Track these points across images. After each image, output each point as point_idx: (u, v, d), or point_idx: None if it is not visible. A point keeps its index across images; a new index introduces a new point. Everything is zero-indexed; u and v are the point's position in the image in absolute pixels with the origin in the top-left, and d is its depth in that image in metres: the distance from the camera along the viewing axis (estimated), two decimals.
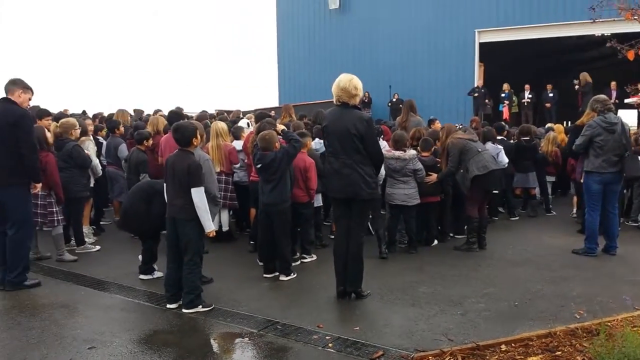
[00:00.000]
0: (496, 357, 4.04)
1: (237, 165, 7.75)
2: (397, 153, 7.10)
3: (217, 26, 49.84)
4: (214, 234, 5.24)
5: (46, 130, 6.92)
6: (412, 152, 7.20)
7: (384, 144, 7.81)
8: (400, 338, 4.47)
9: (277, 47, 26.23)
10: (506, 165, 8.65)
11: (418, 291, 5.68)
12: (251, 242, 7.28)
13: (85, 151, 7.40)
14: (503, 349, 4.16)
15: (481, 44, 20.71)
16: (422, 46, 21.65)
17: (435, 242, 7.69)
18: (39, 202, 6.49)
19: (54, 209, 6.68)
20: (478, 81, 19.91)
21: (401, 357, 4.12)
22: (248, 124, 8.84)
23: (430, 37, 21.43)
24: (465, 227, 7.56)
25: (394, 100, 20.83)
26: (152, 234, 6.07)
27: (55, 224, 6.71)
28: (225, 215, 7.78)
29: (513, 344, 4.24)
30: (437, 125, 9.84)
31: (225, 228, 7.79)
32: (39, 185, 5.97)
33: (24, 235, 5.83)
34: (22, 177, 5.76)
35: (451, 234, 8.06)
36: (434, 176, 7.37)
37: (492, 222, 8.91)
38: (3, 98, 5.78)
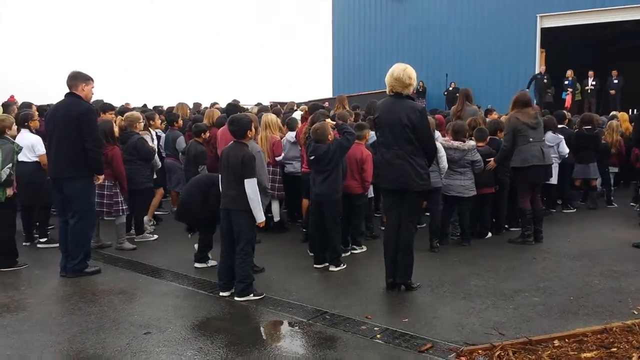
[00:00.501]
0: (548, 352, 3.93)
1: (290, 156, 7.83)
2: (456, 143, 6.99)
3: (272, 17, 50.09)
4: (264, 224, 5.32)
5: (114, 125, 7.19)
6: (471, 142, 7.07)
7: (437, 134, 7.70)
8: (449, 331, 4.42)
9: (332, 38, 26.21)
10: (567, 155, 8.38)
11: (469, 284, 5.60)
12: (303, 230, 7.36)
13: (150, 144, 7.67)
14: (556, 345, 4.04)
15: (543, 30, 20.01)
16: (482, 33, 21.13)
17: (489, 234, 7.54)
18: (105, 193, 6.79)
19: (119, 199, 6.97)
20: (540, 67, 19.25)
21: (450, 350, 4.08)
22: (302, 115, 8.92)
23: (490, 23, 20.90)
24: (520, 219, 7.38)
25: (450, 89, 20.44)
26: (208, 225, 6.23)
27: (120, 214, 7.00)
28: (275, 206, 7.88)
29: (567, 340, 4.11)
30: (494, 115, 9.61)
31: (276, 218, 7.90)
32: (102, 177, 6.20)
33: (86, 224, 6.09)
34: (86, 170, 6.00)
35: (506, 226, 7.87)
36: (492, 161, 7.20)
37: (549, 214, 8.65)
38: (68, 93, 6.00)
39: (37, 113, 8.38)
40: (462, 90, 9.65)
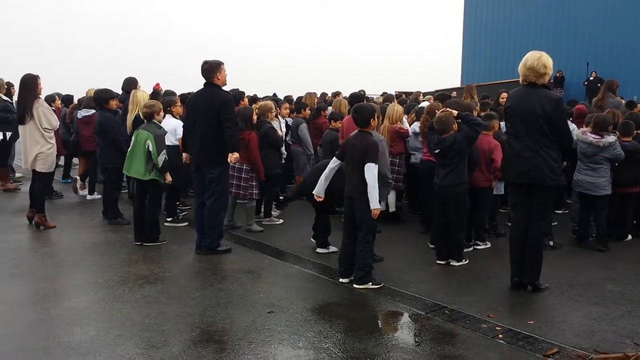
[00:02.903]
0: None
1: (414, 147, 7.75)
2: (591, 138, 6.48)
3: (403, 4, 49.61)
4: (378, 212, 5.29)
5: (254, 112, 7.56)
6: (610, 138, 6.48)
7: (572, 126, 7.22)
8: (578, 337, 4.17)
9: (462, 24, 25.45)
10: None
11: (604, 289, 5.23)
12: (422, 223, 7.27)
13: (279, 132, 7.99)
14: None
15: None
16: (627, 17, 19.37)
17: (629, 237, 6.96)
18: (243, 176, 7.19)
19: (254, 184, 7.34)
20: None
21: (578, 357, 3.85)
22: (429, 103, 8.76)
23: (638, 8, 19.10)
24: None
25: (591, 79, 19.02)
26: (325, 208, 6.34)
27: (253, 197, 7.38)
28: (392, 197, 7.81)
29: None
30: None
31: (391, 209, 7.84)
32: (236, 154, 6.42)
33: (221, 205, 6.47)
34: (225, 157, 6.34)
35: None
36: None
37: None
38: (207, 83, 6.33)
39: (179, 100, 9.04)
40: (607, 81, 9.01)
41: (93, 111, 9.27)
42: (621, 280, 5.49)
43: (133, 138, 6.76)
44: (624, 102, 9.22)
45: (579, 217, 6.83)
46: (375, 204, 5.21)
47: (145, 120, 6.84)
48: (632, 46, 19.33)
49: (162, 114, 7.03)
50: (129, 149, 6.78)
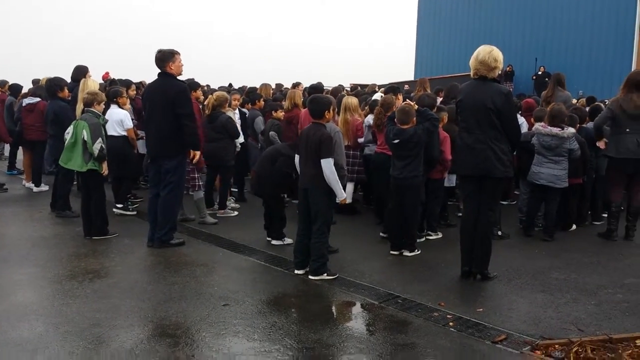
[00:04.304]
0: (629, 352, 3.75)
1: (369, 139, 7.81)
2: (555, 130, 6.64)
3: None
4: (347, 201, 5.32)
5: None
6: (571, 129, 6.68)
7: (521, 120, 7.43)
8: (525, 324, 4.32)
9: (416, 19, 25.76)
10: None
11: (550, 277, 5.42)
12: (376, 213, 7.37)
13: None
14: (638, 344, 3.85)
15: None
16: (575, 15, 20.06)
17: (574, 226, 7.23)
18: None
19: (196, 175, 7.26)
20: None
21: (525, 343, 3.98)
22: (381, 96, 8.85)
23: (585, 5, 19.79)
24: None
25: (540, 73, 19.62)
26: (275, 195, 6.38)
27: (197, 189, 7.29)
28: (350, 188, 7.87)
29: None
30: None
31: (348, 200, 7.89)
32: (199, 153, 6.43)
33: (176, 197, 6.37)
34: (184, 147, 6.29)
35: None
36: (602, 142, 6.86)
37: None
38: (161, 73, 6.20)
39: (134, 90, 8.86)
40: (554, 75, 9.21)
41: (38, 99, 8.98)
42: (566, 268, 5.70)
43: (71, 128, 6.56)
44: (571, 95, 9.53)
45: (528, 208, 7.04)
46: (341, 194, 5.27)
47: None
48: (577, 41, 20.01)
49: (102, 104, 6.85)
50: (68, 139, 6.58)
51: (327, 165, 5.19)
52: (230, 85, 15.76)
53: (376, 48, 39.24)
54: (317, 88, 9.18)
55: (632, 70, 7.91)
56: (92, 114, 6.59)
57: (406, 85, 13.54)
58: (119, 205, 7.72)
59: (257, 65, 32.86)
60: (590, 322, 4.34)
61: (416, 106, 6.18)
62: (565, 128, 6.64)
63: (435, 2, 24.75)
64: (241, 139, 8.51)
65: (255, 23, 46.20)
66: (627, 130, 6.56)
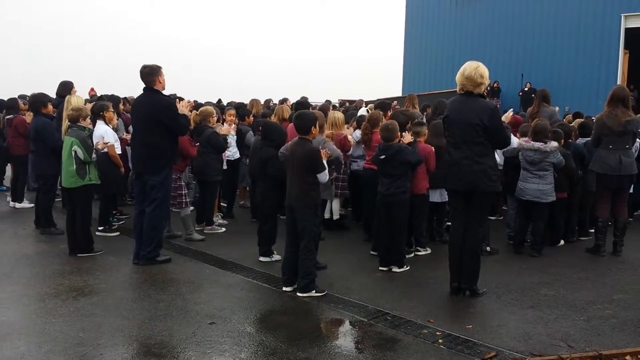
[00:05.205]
0: None
1: (357, 154, 7.80)
2: (537, 144, 6.65)
3: (345, 15, 50.25)
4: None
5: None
6: (553, 143, 6.69)
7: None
8: (515, 340, 4.29)
9: (404, 35, 25.98)
10: None
11: (539, 293, 5.40)
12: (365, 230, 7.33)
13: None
14: None
15: (627, 30, 19.01)
16: (561, 32, 20.35)
17: (562, 242, 7.24)
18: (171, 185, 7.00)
19: (183, 192, 7.19)
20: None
21: None
22: (367, 110, 8.88)
23: (570, 22, 20.08)
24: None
25: (526, 89, 19.83)
26: (269, 210, 6.34)
27: (184, 206, 7.22)
28: (336, 204, 7.84)
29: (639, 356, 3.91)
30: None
31: (335, 217, 7.87)
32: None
33: (161, 213, 6.30)
34: (169, 163, 6.24)
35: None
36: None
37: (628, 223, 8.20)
38: (147, 88, 6.17)
39: (124, 105, 8.79)
40: (539, 91, 9.31)
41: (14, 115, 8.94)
42: (555, 284, 5.69)
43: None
44: (556, 111, 9.62)
45: (517, 224, 7.04)
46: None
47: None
48: (563, 57, 20.27)
49: (88, 120, 6.80)
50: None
51: (322, 177, 5.31)
52: (219, 100, 15.74)
53: (363, 63, 39.43)
54: (302, 104, 9.17)
55: (616, 85, 7.98)
56: (78, 128, 6.54)
57: (395, 102, 13.59)
58: (101, 228, 7.59)
59: (238, 79, 32.88)
60: (580, 338, 4.33)
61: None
62: (548, 142, 6.68)
63: (422, 19, 25.00)
64: (237, 155, 8.49)
65: (238, 37, 46.24)
66: (610, 147, 6.60)
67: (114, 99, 9.50)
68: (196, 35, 43.30)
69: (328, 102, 13.28)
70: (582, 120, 8.93)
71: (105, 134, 7.31)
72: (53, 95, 8.78)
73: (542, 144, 6.65)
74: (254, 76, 34.84)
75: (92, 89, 12.21)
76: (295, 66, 38.32)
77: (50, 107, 7.81)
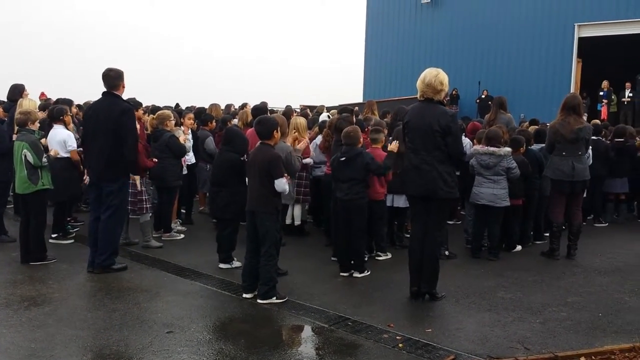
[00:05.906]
0: None
1: (319, 160, 7.79)
2: (492, 149, 6.78)
3: (305, 20, 50.43)
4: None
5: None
6: (506, 148, 6.84)
7: (466, 141, 7.59)
8: (473, 343, 4.34)
9: (364, 42, 26.19)
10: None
11: (496, 296, 5.49)
12: (327, 235, 7.33)
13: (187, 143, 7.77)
14: None
15: (580, 39, 19.63)
16: (516, 40, 20.88)
17: (519, 247, 7.38)
18: (130, 190, 6.85)
19: (144, 198, 7.04)
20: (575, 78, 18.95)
21: None
22: (328, 116, 8.90)
23: (525, 31, 20.62)
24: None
25: (483, 97, 20.25)
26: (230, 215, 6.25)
27: (144, 212, 7.07)
28: (298, 210, 7.81)
29: (593, 357, 4.01)
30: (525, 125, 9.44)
31: (297, 222, 7.84)
32: (138, 177, 6.31)
33: (116, 221, 6.16)
34: (127, 169, 6.12)
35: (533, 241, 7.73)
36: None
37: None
38: (106, 92, 6.03)
39: (76, 108, 8.55)
40: (496, 98, 9.49)
41: None
42: (511, 287, 5.79)
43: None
44: (513, 118, 9.83)
45: (474, 229, 7.14)
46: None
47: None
48: (519, 66, 20.78)
49: (37, 124, 6.59)
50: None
51: (280, 185, 5.17)
52: (177, 105, 15.53)
53: (324, 69, 39.65)
54: (261, 109, 9.11)
55: (569, 93, 8.22)
56: (27, 131, 6.35)
57: (355, 108, 13.67)
58: (54, 235, 7.36)
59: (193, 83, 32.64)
60: (536, 340, 4.41)
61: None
62: (501, 147, 6.82)
63: (382, 25, 25.22)
64: (193, 160, 8.38)
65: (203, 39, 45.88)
66: (564, 153, 6.78)
67: (68, 103, 9.27)
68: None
69: (289, 107, 13.23)
70: (537, 127, 9.16)
71: (68, 138, 7.12)
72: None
73: (496, 148, 6.79)
74: (209, 78, 34.62)
75: (42, 94, 11.86)
76: (253, 71, 38.29)
77: (0, 111, 7.55)
